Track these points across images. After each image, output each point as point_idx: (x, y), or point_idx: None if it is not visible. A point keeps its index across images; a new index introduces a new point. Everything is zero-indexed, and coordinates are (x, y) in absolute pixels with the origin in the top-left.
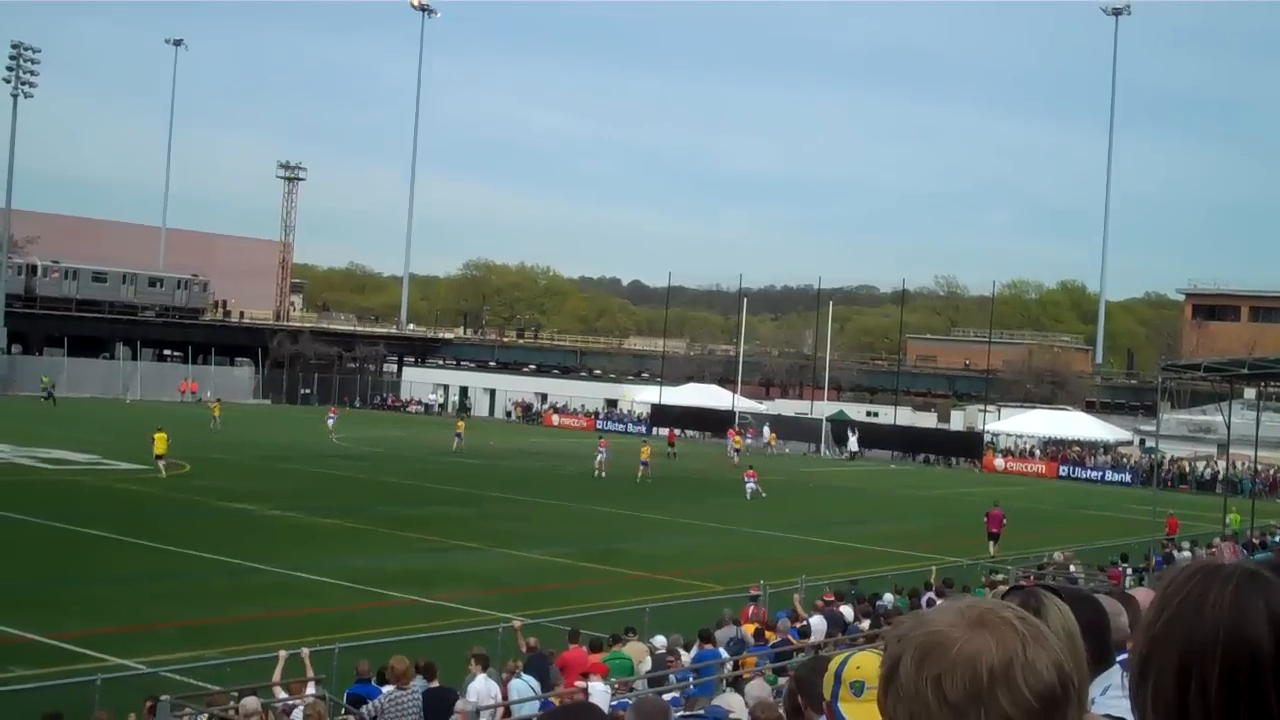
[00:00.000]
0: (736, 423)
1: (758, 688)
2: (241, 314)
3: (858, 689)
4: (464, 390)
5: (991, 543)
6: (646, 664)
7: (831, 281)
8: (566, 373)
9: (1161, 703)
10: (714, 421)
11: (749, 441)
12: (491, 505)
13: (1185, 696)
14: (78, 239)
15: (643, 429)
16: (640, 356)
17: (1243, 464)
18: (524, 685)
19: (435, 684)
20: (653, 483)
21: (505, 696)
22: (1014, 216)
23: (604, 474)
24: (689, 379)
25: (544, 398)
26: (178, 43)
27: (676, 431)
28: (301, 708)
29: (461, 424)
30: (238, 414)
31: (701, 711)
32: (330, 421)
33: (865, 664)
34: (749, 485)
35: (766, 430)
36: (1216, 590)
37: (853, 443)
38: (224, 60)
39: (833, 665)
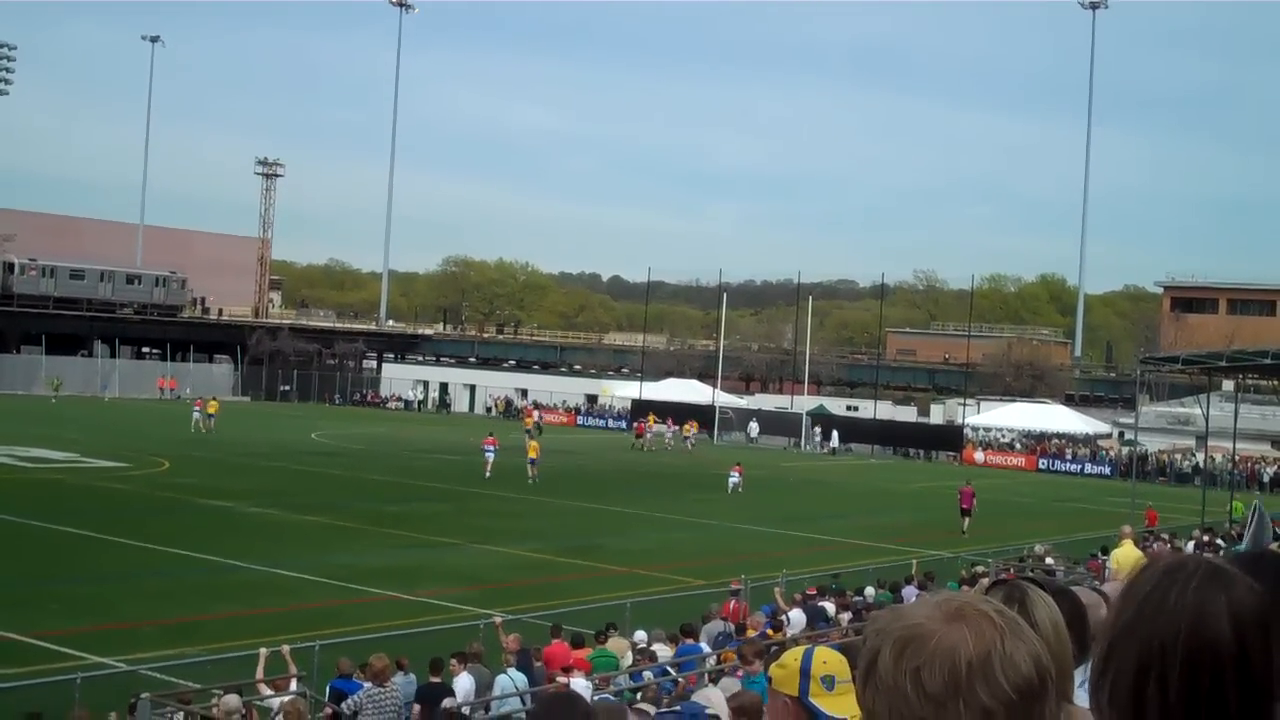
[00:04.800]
0: (719, 415)
1: (730, 684)
2: (220, 311)
3: (829, 683)
4: (444, 386)
5: (965, 518)
6: (628, 659)
7: (811, 276)
8: (546, 368)
9: (1118, 698)
10: (695, 416)
11: (650, 434)
12: (472, 501)
13: (1143, 693)
14: (55, 236)
15: (622, 424)
16: (620, 352)
17: (1222, 456)
18: (508, 680)
19: (437, 680)
20: (538, 483)
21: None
22: (994, 211)
23: (489, 474)
24: (669, 374)
25: (524, 393)
26: (154, 39)
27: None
28: (282, 704)
29: (531, 420)
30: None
31: (678, 708)
32: (196, 414)
33: (830, 658)
34: (732, 479)
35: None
36: (1179, 587)
37: (834, 438)
38: (201, 57)
39: (795, 662)
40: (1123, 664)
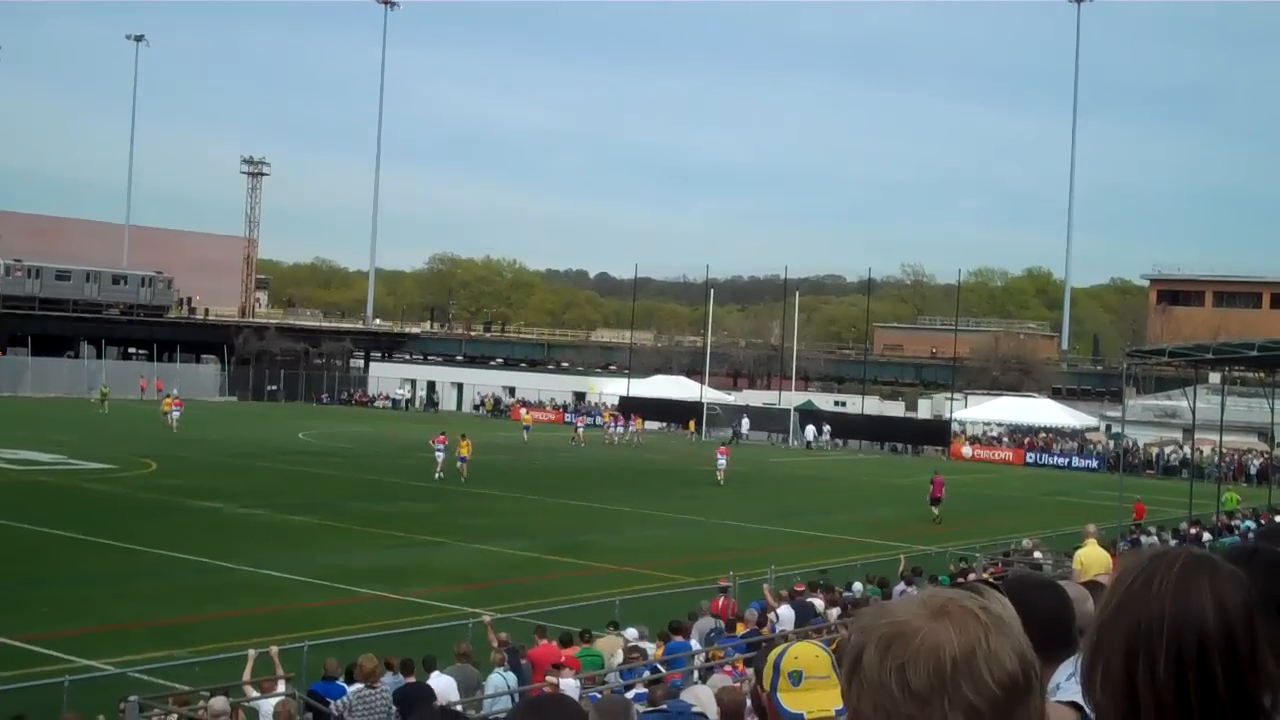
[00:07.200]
0: (707, 411)
1: (720, 681)
2: (206, 311)
3: (795, 679)
4: (431, 385)
5: (934, 507)
6: (619, 657)
7: (798, 271)
8: (534, 366)
9: (1110, 684)
10: (682, 413)
11: (583, 427)
12: (459, 500)
13: (1133, 677)
14: (40, 237)
15: (608, 423)
16: (608, 349)
17: (1209, 448)
18: (500, 680)
19: (411, 679)
20: (465, 482)
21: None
22: (981, 205)
23: (442, 474)
24: (657, 371)
25: (511, 391)
26: (139, 38)
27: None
28: (271, 705)
29: (530, 417)
30: (204, 411)
31: (665, 707)
32: (176, 413)
33: (803, 654)
34: (720, 462)
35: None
36: (1162, 574)
37: (809, 432)
38: (186, 56)
39: (771, 656)
40: (1112, 649)
